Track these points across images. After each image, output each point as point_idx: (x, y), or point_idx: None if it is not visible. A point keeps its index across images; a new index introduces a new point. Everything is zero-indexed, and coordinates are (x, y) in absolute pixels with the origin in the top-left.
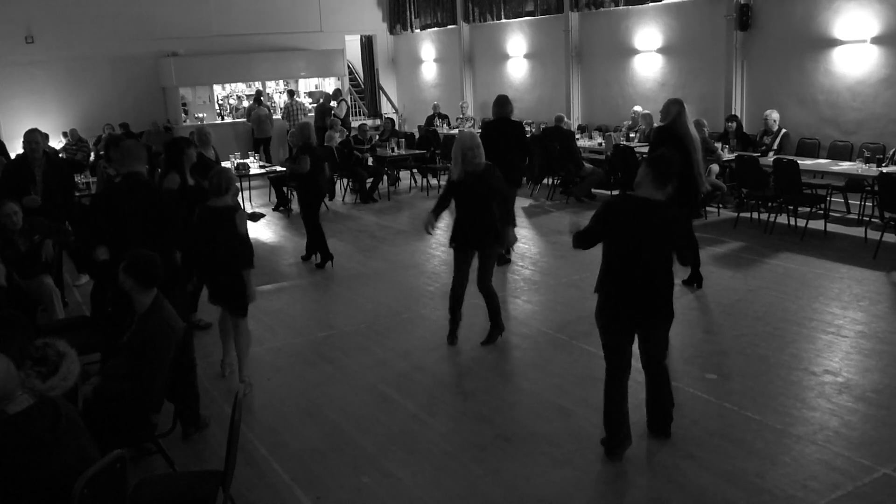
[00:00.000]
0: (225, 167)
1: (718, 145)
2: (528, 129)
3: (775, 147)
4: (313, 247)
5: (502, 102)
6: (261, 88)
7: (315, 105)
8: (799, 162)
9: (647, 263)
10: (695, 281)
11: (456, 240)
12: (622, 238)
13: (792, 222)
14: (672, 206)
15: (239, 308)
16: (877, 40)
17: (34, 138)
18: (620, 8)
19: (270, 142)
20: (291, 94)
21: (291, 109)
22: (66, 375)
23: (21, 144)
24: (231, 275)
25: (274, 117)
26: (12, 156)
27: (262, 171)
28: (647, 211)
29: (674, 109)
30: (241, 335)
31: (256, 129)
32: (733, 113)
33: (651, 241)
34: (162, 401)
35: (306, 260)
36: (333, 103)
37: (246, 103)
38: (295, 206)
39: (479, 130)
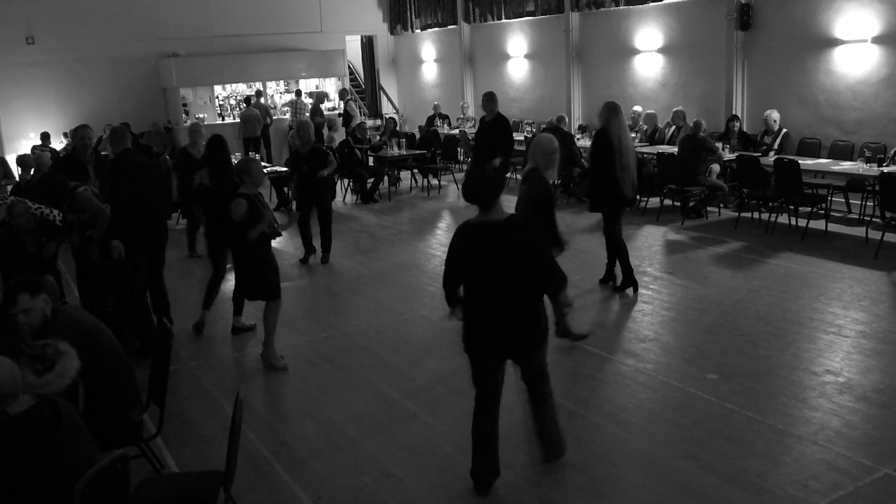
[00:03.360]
0: (251, 158)
1: (719, 145)
2: (528, 129)
3: (776, 147)
4: (318, 244)
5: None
6: (261, 89)
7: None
8: (800, 162)
9: (502, 291)
10: (630, 285)
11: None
12: (470, 268)
13: (793, 222)
14: (521, 227)
15: (258, 292)
16: (878, 40)
17: (87, 134)
18: (621, 8)
19: (266, 142)
20: (299, 93)
21: (297, 106)
22: (63, 372)
23: (23, 145)
24: (242, 261)
25: (275, 118)
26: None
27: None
28: (490, 235)
29: (604, 114)
30: (265, 314)
31: (243, 128)
32: (734, 113)
33: (500, 267)
34: (136, 396)
35: (318, 262)
36: (338, 103)
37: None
38: (294, 206)
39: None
